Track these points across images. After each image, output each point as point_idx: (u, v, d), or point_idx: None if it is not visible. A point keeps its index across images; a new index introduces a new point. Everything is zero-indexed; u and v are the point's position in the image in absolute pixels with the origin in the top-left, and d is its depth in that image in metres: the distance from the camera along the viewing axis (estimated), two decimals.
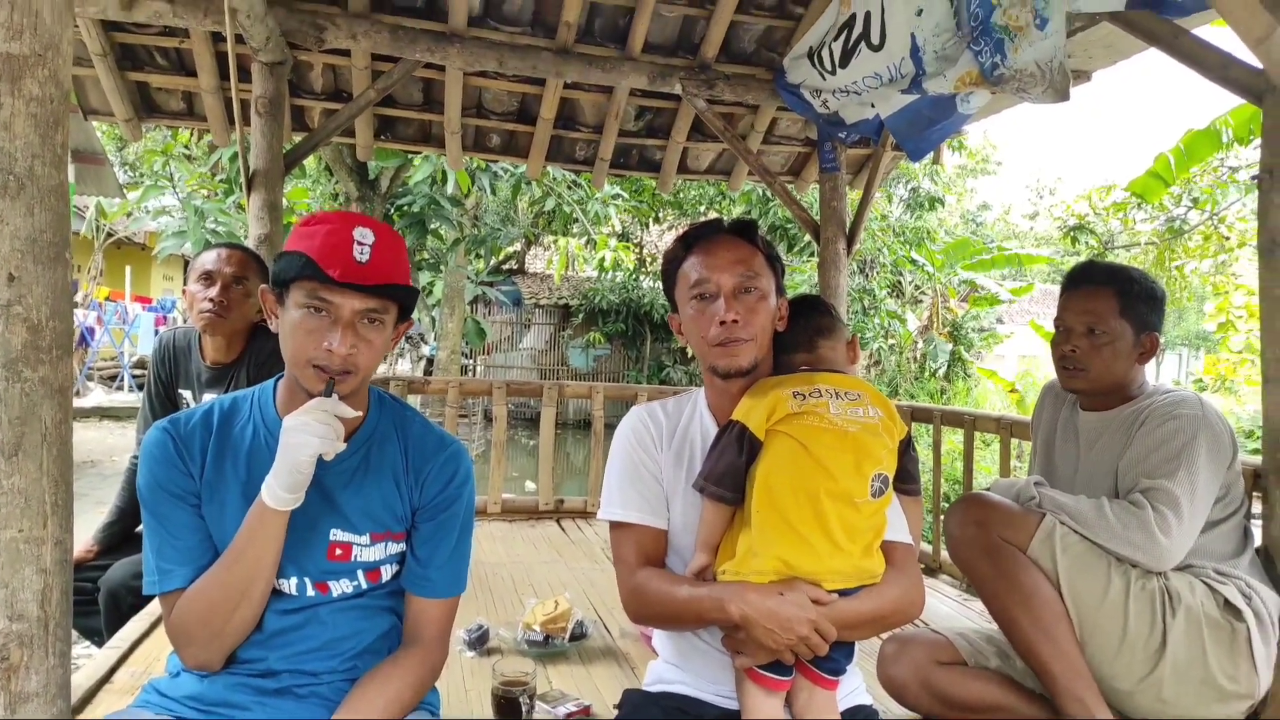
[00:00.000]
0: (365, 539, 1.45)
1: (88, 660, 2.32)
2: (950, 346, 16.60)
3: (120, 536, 2.81)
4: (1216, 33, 2.38)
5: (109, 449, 10.34)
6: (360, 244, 1.34)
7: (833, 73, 3.60)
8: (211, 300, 2.57)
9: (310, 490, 1.37)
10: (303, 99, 4.22)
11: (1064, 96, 2.67)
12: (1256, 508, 2.19)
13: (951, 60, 2.96)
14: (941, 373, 16.53)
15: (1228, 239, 11.88)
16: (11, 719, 1.33)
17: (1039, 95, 2.71)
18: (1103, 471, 2.07)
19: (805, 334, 1.73)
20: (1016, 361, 20.19)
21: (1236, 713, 1.91)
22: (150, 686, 1.45)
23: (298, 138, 4.22)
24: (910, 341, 16.27)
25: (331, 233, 1.34)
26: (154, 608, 2.54)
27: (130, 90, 4.05)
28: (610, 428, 1.84)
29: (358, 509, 1.45)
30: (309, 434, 1.29)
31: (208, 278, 2.60)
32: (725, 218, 1.74)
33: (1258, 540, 2.11)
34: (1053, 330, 2.20)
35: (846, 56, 3.49)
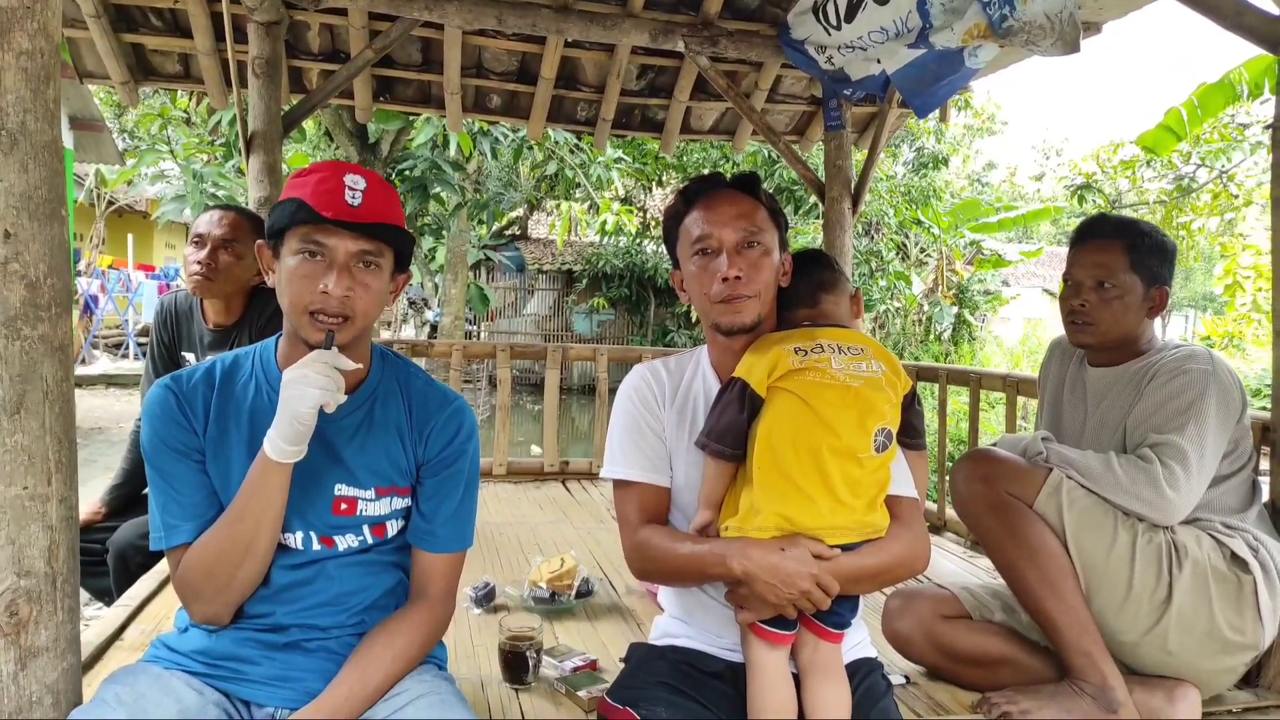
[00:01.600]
0: (370, 494, 1.46)
1: (98, 619, 2.34)
2: (955, 309, 16.54)
3: (127, 498, 2.83)
4: None
5: (116, 416, 10.39)
6: (352, 189, 1.34)
7: (838, 28, 3.54)
8: (200, 263, 2.56)
9: (314, 445, 1.37)
10: (300, 60, 4.16)
11: (1074, 48, 2.62)
12: (1264, 464, 2.19)
13: (959, 13, 2.90)
14: (946, 336, 16.49)
15: (1235, 197, 11.76)
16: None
17: (1048, 48, 2.66)
18: (1110, 427, 2.06)
19: (808, 289, 1.71)
20: (1022, 324, 20.13)
21: (1240, 664, 1.93)
22: (159, 641, 1.46)
23: (296, 99, 4.17)
24: (915, 304, 16.21)
25: (323, 180, 1.34)
26: (163, 567, 2.56)
27: (125, 52, 3.99)
28: (615, 391, 1.83)
29: (362, 464, 1.45)
30: (309, 385, 1.29)
31: (199, 240, 2.59)
32: (728, 173, 1.71)
33: (1266, 495, 2.11)
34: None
35: (852, 11, 3.42)
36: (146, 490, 1.48)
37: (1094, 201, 12.97)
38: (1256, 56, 6.91)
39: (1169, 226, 12.06)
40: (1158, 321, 2.15)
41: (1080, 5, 3.06)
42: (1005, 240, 17.10)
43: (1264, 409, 2.24)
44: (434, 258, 15.30)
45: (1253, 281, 11.12)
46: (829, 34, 3.62)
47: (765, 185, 1.69)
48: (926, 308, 16.53)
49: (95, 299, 14.77)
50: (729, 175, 1.68)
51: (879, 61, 3.47)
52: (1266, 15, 2.13)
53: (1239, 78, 6.96)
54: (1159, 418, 1.92)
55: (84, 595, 2.95)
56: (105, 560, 2.65)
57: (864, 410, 1.50)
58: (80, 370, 12.95)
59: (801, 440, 1.47)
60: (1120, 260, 2.03)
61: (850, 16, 3.43)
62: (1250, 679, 2.05)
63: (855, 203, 4.28)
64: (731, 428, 1.52)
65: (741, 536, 1.49)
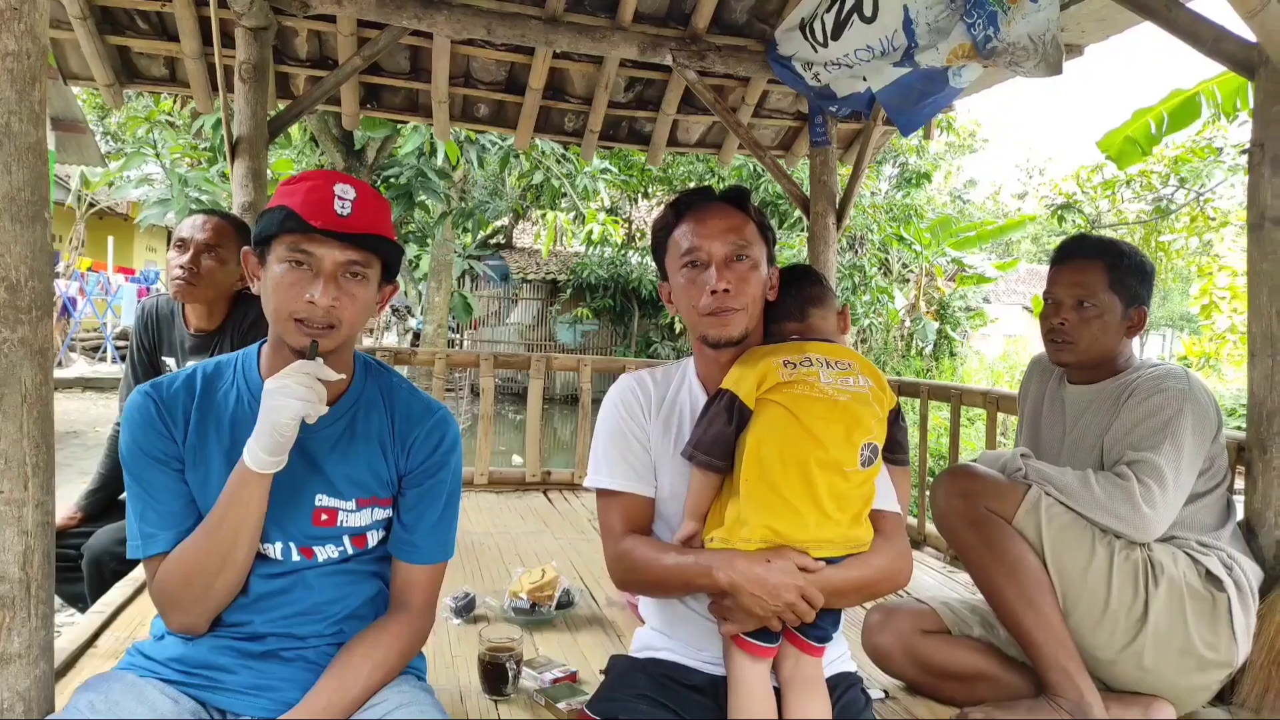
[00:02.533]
0: (351, 504, 1.45)
1: (71, 625, 2.31)
2: (937, 325, 16.67)
3: (104, 504, 2.79)
4: (1209, 4, 2.37)
5: (92, 420, 10.27)
6: (341, 199, 1.33)
7: (824, 45, 3.57)
8: (183, 268, 2.54)
9: (295, 455, 1.36)
10: (287, 66, 4.15)
11: (1056, 70, 2.66)
12: (1239, 483, 2.21)
13: (944, 33, 2.94)
14: (928, 351, 16.61)
15: (1212, 219, 11.95)
16: None
17: (1031, 69, 2.70)
18: (1088, 444, 2.08)
19: (796, 303, 1.72)
20: (1002, 341, 20.30)
21: (1214, 681, 1.94)
22: (135, 649, 1.45)
23: (282, 105, 4.16)
24: (897, 320, 16.32)
25: (313, 189, 1.33)
26: (138, 573, 2.53)
27: (111, 55, 3.97)
28: (598, 402, 1.83)
29: (343, 474, 1.44)
30: (290, 396, 1.28)
31: (182, 245, 2.58)
32: (716, 187, 1.72)
33: (1240, 513, 2.13)
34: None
35: (839, 28, 3.45)
36: (123, 496, 1.46)
37: (1074, 221, 13.13)
38: (1224, 74, 6.89)
39: (1146, 247, 12.22)
40: (1135, 341, 2.18)
41: (1063, 28, 3.11)
42: (985, 256, 17.26)
43: (1239, 429, 2.27)
44: (418, 265, 15.27)
45: (1228, 302, 11.26)
46: (815, 51, 3.65)
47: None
48: (909, 323, 16.64)
49: (73, 301, 14.60)
50: (718, 189, 1.68)
51: (865, 79, 3.50)
52: (1243, 41, 2.16)
53: (1210, 95, 6.90)
54: (1136, 435, 1.95)
55: (57, 601, 2.91)
56: (80, 566, 2.62)
57: (851, 424, 1.51)
58: (57, 373, 12.79)
59: (789, 453, 1.48)
60: (1100, 280, 2.06)
61: (837, 34, 3.46)
62: (1224, 696, 2.07)
63: (840, 218, 4.31)
64: (719, 439, 1.53)
65: (727, 548, 1.49)
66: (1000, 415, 3.58)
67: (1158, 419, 1.92)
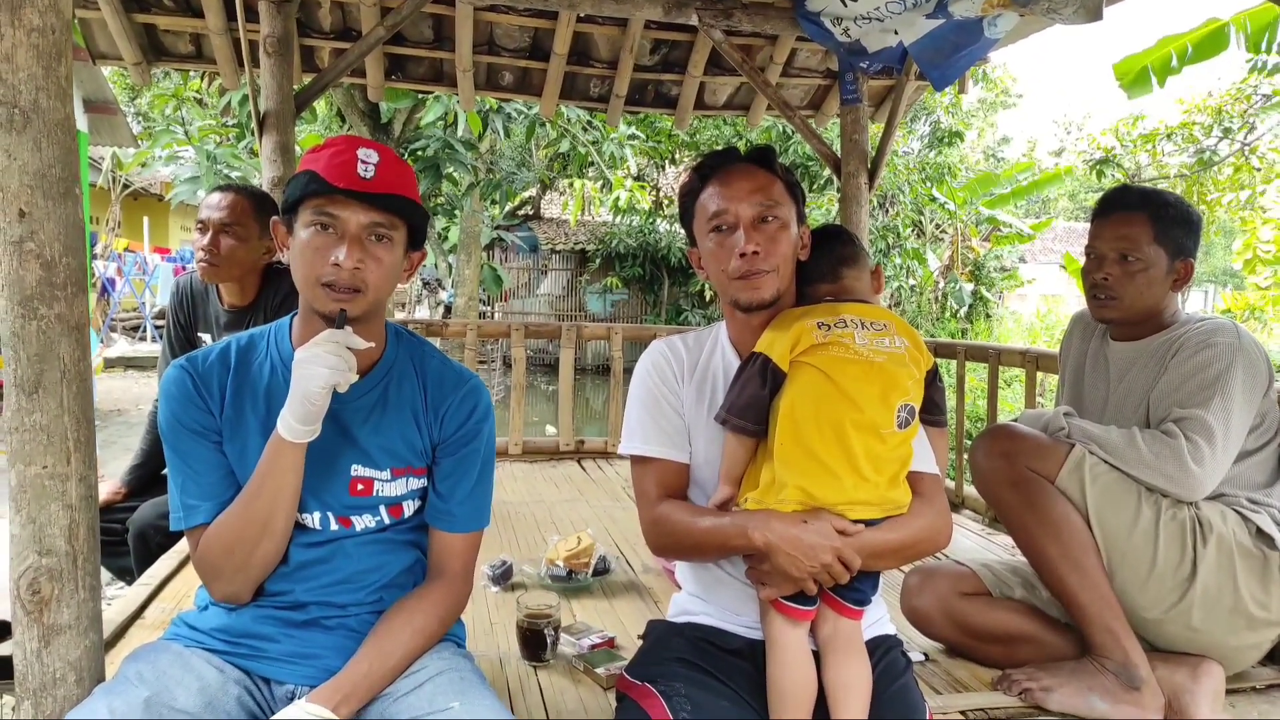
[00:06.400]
0: (386, 474, 1.45)
1: (120, 598, 2.36)
2: (972, 286, 16.40)
3: (147, 478, 2.85)
4: None
5: (135, 398, 10.47)
6: (364, 162, 1.33)
7: None
8: (204, 250, 2.54)
9: (330, 426, 1.36)
10: (311, 38, 4.14)
11: (1096, 16, 2.58)
12: None
13: None
14: (963, 313, 16.37)
15: (1258, 170, 11.58)
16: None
17: (1070, 15, 2.62)
18: (1133, 402, 2.03)
19: (828, 263, 1.70)
20: (1039, 301, 19.94)
21: (1265, 640, 1.91)
22: (179, 620, 1.47)
23: (307, 79, 4.15)
24: (931, 282, 16.09)
25: (337, 153, 1.34)
26: (183, 546, 2.58)
27: (137, 33, 3.98)
28: (629, 371, 1.82)
29: (377, 444, 1.45)
30: (320, 365, 1.28)
31: (201, 226, 2.58)
32: (741, 147, 1.68)
33: None
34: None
35: None
36: (165, 470, 1.48)
37: (1113, 176, 12.79)
38: (1261, 6, 6.46)
39: (1189, 200, 11.87)
40: (1178, 296, 2.12)
41: None
42: (1022, 215, 16.91)
43: None
44: (447, 238, 15.31)
45: (1272, 258, 10.90)
46: (845, 5, 3.56)
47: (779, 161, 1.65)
48: (943, 285, 16.40)
49: (112, 282, 14.86)
50: (743, 149, 1.65)
51: (896, 33, 3.42)
52: None
53: (1241, 25, 6.46)
54: (1183, 392, 1.89)
55: (106, 574, 2.98)
56: (126, 539, 2.68)
57: (887, 385, 1.48)
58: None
59: (824, 415, 1.46)
60: (1144, 232, 2.00)
61: None
62: (1275, 655, 2.03)
63: (872, 177, 4.23)
64: (753, 403, 1.51)
65: (763, 509, 1.47)
66: (1039, 375, 3.51)
67: (1206, 374, 1.87)
